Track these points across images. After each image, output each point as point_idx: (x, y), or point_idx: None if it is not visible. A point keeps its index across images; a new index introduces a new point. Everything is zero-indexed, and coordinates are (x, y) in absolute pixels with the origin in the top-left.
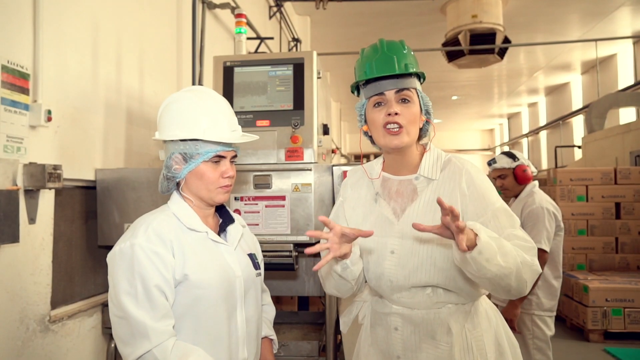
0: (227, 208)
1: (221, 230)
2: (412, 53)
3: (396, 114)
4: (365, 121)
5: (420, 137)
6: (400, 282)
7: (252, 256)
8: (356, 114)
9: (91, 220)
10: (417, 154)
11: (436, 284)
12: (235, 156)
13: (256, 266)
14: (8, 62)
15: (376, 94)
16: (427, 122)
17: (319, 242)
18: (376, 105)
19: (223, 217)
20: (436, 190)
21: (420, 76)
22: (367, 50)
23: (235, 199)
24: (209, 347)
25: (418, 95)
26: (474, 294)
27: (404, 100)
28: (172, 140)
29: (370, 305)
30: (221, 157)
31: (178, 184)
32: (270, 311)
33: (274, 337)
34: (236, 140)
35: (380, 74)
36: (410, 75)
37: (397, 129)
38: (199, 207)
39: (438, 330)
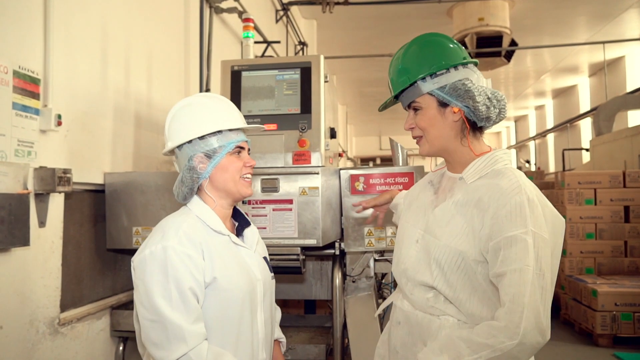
0: (242, 212)
1: (238, 233)
2: (412, 57)
3: (411, 128)
4: None
5: (477, 126)
6: (409, 272)
7: (266, 259)
8: (363, 118)
9: (100, 223)
10: (469, 155)
11: (434, 286)
12: (249, 150)
13: (270, 269)
14: (19, 67)
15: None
16: (468, 108)
17: (326, 246)
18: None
19: (239, 220)
20: (466, 194)
21: (434, 73)
22: None
23: (243, 202)
24: (234, 349)
25: (433, 95)
26: (476, 320)
27: (416, 110)
28: (189, 143)
29: None
30: (241, 147)
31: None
32: (277, 314)
33: (283, 339)
34: (251, 126)
35: (389, 100)
36: (413, 84)
37: (418, 139)
38: (221, 207)
39: (429, 340)
